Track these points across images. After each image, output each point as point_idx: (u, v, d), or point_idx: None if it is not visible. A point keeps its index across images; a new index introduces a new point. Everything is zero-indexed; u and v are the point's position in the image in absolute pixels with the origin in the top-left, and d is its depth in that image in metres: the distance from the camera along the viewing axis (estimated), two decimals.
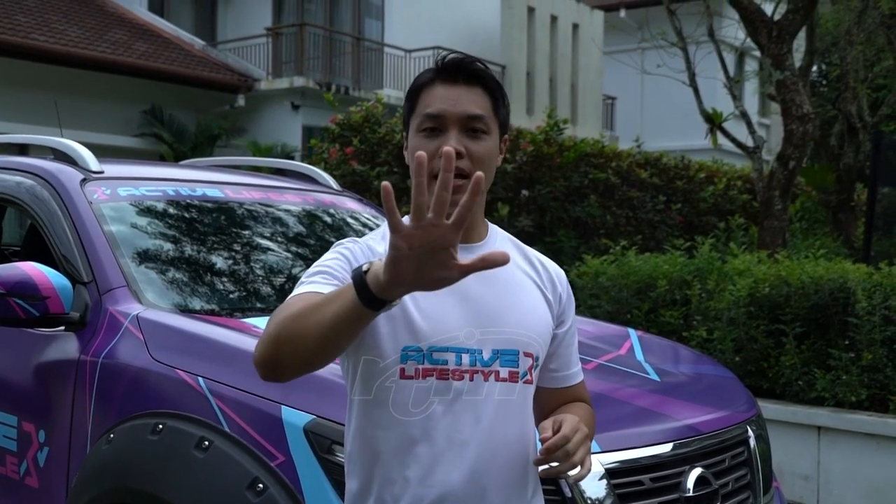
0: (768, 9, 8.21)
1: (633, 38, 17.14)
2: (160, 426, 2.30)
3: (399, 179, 7.51)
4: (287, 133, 15.88)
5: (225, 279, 3.10)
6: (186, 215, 3.27)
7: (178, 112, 15.40)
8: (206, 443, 2.20)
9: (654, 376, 2.93)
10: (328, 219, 3.70)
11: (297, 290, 1.53)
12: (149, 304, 2.69)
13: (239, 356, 2.37)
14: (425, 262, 1.28)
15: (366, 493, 1.60)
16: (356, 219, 3.75)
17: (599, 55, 20.35)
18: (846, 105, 9.84)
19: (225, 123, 15.68)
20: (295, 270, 3.30)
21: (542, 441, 1.52)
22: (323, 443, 2.05)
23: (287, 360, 1.44)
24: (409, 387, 1.55)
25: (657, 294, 5.86)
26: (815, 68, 12.94)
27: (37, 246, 3.58)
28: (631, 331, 3.50)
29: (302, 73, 16.13)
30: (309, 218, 3.63)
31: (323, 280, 1.54)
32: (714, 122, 8.40)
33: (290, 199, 3.63)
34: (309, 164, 5.36)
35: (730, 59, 12.06)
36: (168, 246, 3.06)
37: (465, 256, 1.64)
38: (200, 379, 2.32)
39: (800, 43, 9.61)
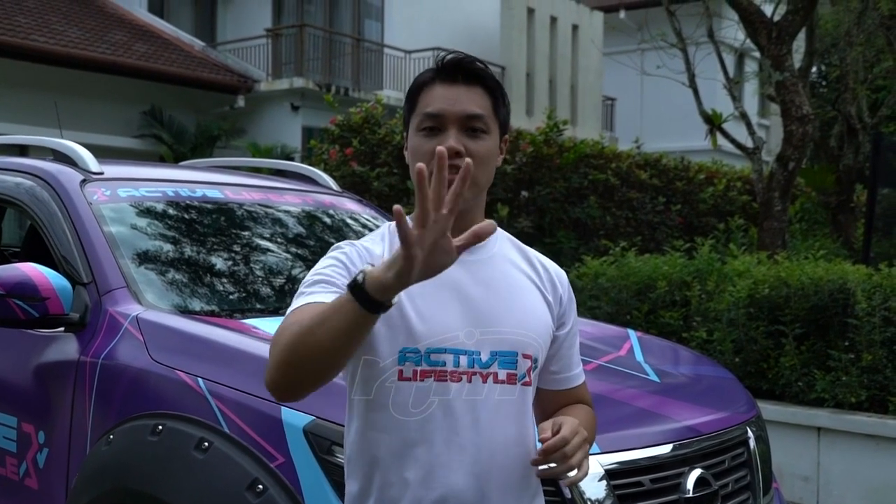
0: (768, 10, 8.21)
1: (633, 39, 17.14)
2: (160, 427, 2.30)
3: (399, 180, 7.51)
4: (287, 134, 15.89)
5: (225, 280, 3.10)
6: (186, 216, 3.27)
7: (177, 113, 15.41)
8: (206, 444, 2.20)
9: (653, 377, 2.93)
10: (328, 220, 3.70)
11: (298, 303, 1.53)
12: (148, 305, 2.69)
13: (239, 357, 2.37)
14: (430, 255, 1.32)
15: (366, 494, 1.60)
16: (356, 220, 3.75)
17: (599, 56, 20.36)
18: (846, 106, 9.84)
19: (225, 124, 15.68)
20: (295, 271, 3.30)
21: (542, 442, 1.52)
22: (323, 444, 2.05)
23: (300, 381, 1.45)
24: (409, 388, 1.55)
25: (657, 295, 5.86)
26: (814, 69, 12.95)
27: (36, 247, 3.58)
28: (631, 332, 3.50)
29: (302, 74, 16.14)
30: (308, 219, 3.63)
31: (322, 290, 1.53)
32: (714, 123, 8.40)
33: (290, 200, 3.63)
34: (308, 165, 5.36)
35: (729, 60, 12.06)
36: (168, 247, 3.06)
37: (465, 258, 1.64)
38: (200, 380, 2.32)
39: (799, 44, 9.60)
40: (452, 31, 17.96)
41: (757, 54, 11.32)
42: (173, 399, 2.36)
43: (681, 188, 10.05)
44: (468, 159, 1.32)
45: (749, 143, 8.17)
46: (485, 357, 1.58)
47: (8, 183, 3.23)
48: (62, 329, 2.72)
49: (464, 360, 1.57)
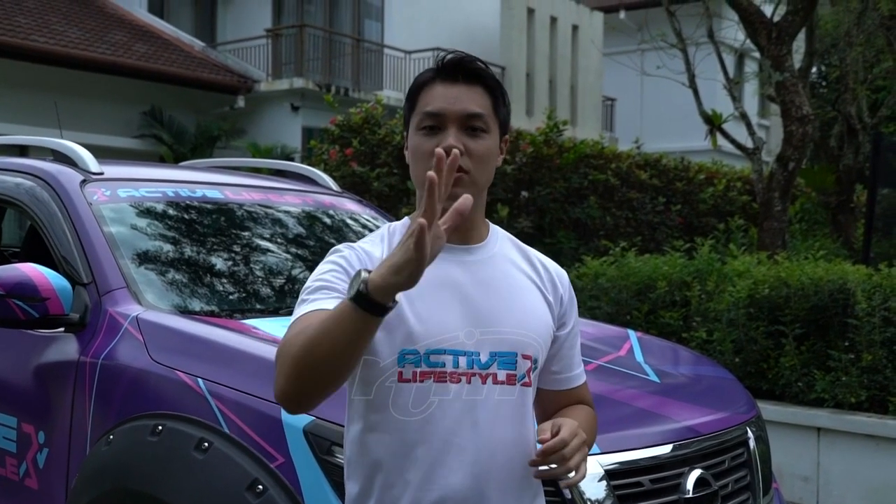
0: (768, 10, 8.21)
1: (633, 40, 17.14)
2: (160, 427, 2.30)
3: (399, 180, 7.51)
4: (287, 134, 15.89)
5: (224, 280, 3.10)
6: (186, 216, 3.27)
7: (177, 113, 15.41)
8: (206, 444, 2.20)
9: (653, 377, 2.93)
10: (328, 220, 3.70)
11: (301, 311, 1.53)
12: (148, 305, 2.69)
13: (239, 358, 2.37)
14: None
15: (366, 495, 1.60)
16: (356, 220, 3.75)
17: (599, 56, 20.36)
18: (846, 106, 9.84)
19: (225, 125, 15.68)
20: (294, 272, 3.30)
21: (541, 443, 1.52)
22: (322, 444, 2.05)
23: (310, 391, 1.45)
24: (409, 389, 1.56)
25: (657, 295, 5.86)
26: (814, 70, 12.95)
27: (36, 247, 3.58)
28: (630, 332, 3.50)
29: (302, 75, 16.14)
30: (308, 219, 3.63)
31: (324, 296, 1.53)
32: (714, 123, 8.40)
33: (290, 201, 3.63)
34: (308, 165, 5.36)
35: (729, 61, 12.06)
36: (168, 247, 3.06)
37: (465, 258, 1.65)
38: (200, 380, 2.32)
39: (799, 44, 9.60)
40: (452, 32, 17.96)
41: (757, 55, 11.31)
42: (173, 399, 2.36)
43: (681, 188, 10.06)
44: (456, 150, 1.33)
45: (749, 144, 8.17)
46: (484, 358, 1.58)
47: (8, 183, 3.23)
48: (62, 329, 2.72)
49: (463, 361, 1.57)
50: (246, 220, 3.39)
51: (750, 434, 2.76)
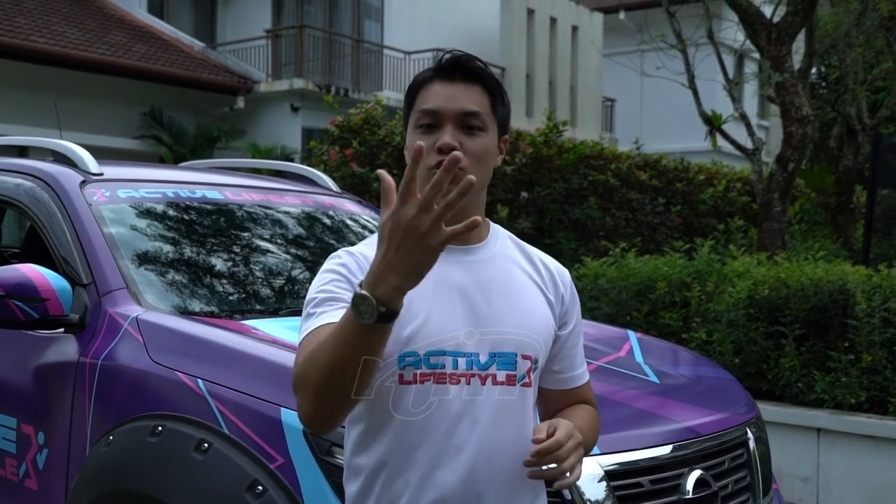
0: (767, 11, 8.22)
1: (633, 41, 17.15)
2: (159, 428, 2.30)
3: (399, 181, 7.49)
4: (286, 135, 15.89)
5: (224, 281, 3.10)
6: (186, 217, 3.27)
7: (177, 114, 15.41)
8: (206, 445, 2.20)
9: (653, 378, 2.93)
10: (328, 221, 3.70)
11: (309, 325, 1.52)
12: (148, 306, 2.69)
13: (238, 358, 2.37)
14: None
15: (365, 495, 1.60)
16: (356, 221, 3.75)
17: (599, 57, 20.36)
18: (845, 107, 9.85)
19: (224, 125, 15.69)
20: (294, 272, 3.30)
21: (535, 443, 1.51)
22: (322, 445, 2.05)
23: (336, 410, 1.47)
24: (409, 390, 1.56)
25: (656, 296, 5.86)
26: (814, 70, 12.95)
27: (36, 248, 3.58)
28: (630, 333, 3.51)
29: (301, 75, 16.14)
30: (308, 220, 3.63)
31: (330, 308, 1.53)
32: (713, 124, 8.40)
33: (290, 201, 3.63)
34: (308, 166, 5.36)
35: (729, 62, 12.07)
36: (167, 248, 3.06)
37: (464, 258, 1.65)
38: (200, 381, 2.32)
39: (799, 45, 9.61)
40: (452, 32, 17.96)
41: (757, 55, 11.32)
42: (173, 400, 2.36)
43: (680, 189, 10.06)
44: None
45: (749, 144, 8.17)
46: (483, 358, 1.58)
47: (7, 184, 3.23)
48: (62, 330, 2.72)
49: (462, 362, 1.57)
50: (246, 220, 3.39)
51: (750, 435, 2.76)
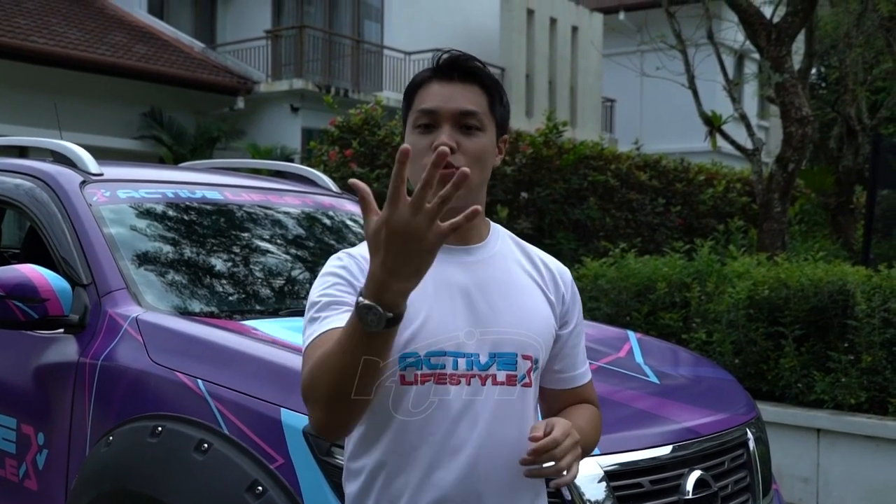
0: (767, 11, 8.22)
1: (633, 41, 17.17)
2: (159, 429, 2.30)
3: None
4: (286, 135, 15.89)
5: (224, 281, 3.10)
6: (186, 218, 3.27)
7: (177, 114, 15.42)
8: (206, 445, 2.20)
9: (653, 379, 2.93)
10: (327, 221, 3.70)
11: (314, 330, 1.52)
12: (148, 306, 2.69)
13: (238, 359, 2.37)
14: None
15: (365, 495, 1.60)
16: (355, 221, 3.75)
17: (599, 58, 20.37)
18: (845, 107, 9.85)
19: (224, 126, 15.69)
20: (294, 273, 3.31)
21: (532, 440, 1.51)
22: (322, 445, 2.05)
23: (349, 417, 1.46)
24: (409, 390, 1.56)
25: (656, 296, 5.86)
26: (814, 71, 12.96)
27: (36, 248, 3.58)
28: (630, 333, 3.51)
29: (301, 76, 16.14)
30: (308, 220, 3.63)
31: (335, 312, 1.52)
32: (713, 124, 8.40)
33: (290, 202, 3.63)
34: (308, 166, 5.36)
35: (729, 62, 12.07)
36: (167, 248, 3.06)
37: (464, 258, 1.65)
38: (200, 381, 2.32)
39: (799, 45, 9.61)
40: (452, 33, 17.96)
41: (756, 56, 11.32)
42: (173, 400, 2.36)
43: (680, 189, 10.06)
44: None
45: (749, 145, 8.17)
46: (483, 359, 1.58)
47: (7, 184, 3.23)
48: (62, 330, 2.72)
49: (462, 362, 1.57)
50: (245, 221, 3.39)
51: (750, 435, 2.76)
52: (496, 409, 1.58)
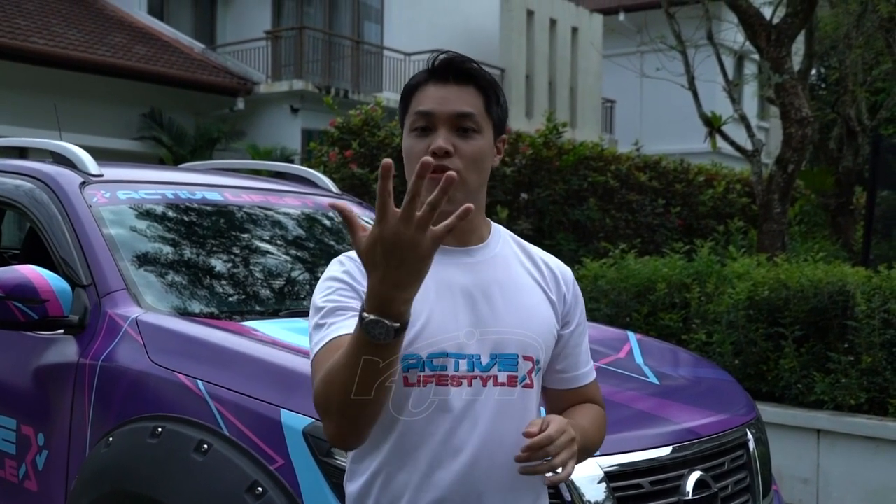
0: (767, 12, 8.22)
1: (633, 42, 17.18)
2: (159, 429, 2.30)
3: (399, 182, 7.49)
4: (286, 136, 15.89)
5: (224, 282, 3.10)
6: (186, 218, 3.27)
7: (177, 115, 15.42)
8: (206, 446, 2.20)
9: (653, 379, 2.93)
10: (327, 222, 3.70)
11: (321, 337, 1.52)
12: (148, 307, 2.69)
13: (238, 360, 2.37)
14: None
15: (365, 495, 1.60)
16: None
17: (598, 58, 20.37)
18: (845, 108, 9.85)
19: (224, 127, 15.69)
20: (294, 273, 3.30)
21: (527, 437, 1.50)
22: (322, 446, 2.05)
23: (364, 425, 1.46)
24: (411, 392, 1.56)
25: (656, 297, 5.86)
26: (814, 72, 12.97)
27: (36, 249, 3.58)
28: (630, 334, 3.51)
29: (301, 77, 16.14)
30: (308, 221, 3.63)
31: (340, 317, 1.52)
32: (713, 125, 8.41)
33: (290, 203, 3.63)
34: (308, 167, 5.36)
35: (729, 63, 12.08)
36: (167, 249, 3.06)
37: (465, 260, 1.65)
38: (200, 382, 2.32)
39: (799, 46, 9.62)
40: (452, 34, 17.97)
41: (756, 57, 11.33)
42: (173, 401, 2.36)
43: (680, 190, 10.06)
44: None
45: (748, 146, 8.17)
46: (485, 360, 1.58)
47: (7, 185, 3.23)
48: (62, 331, 2.72)
49: (464, 364, 1.57)
50: (245, 222, 3.39)
51: (749, 436, 2.76)
52: (497, 410, 1.58)
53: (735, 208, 10.46)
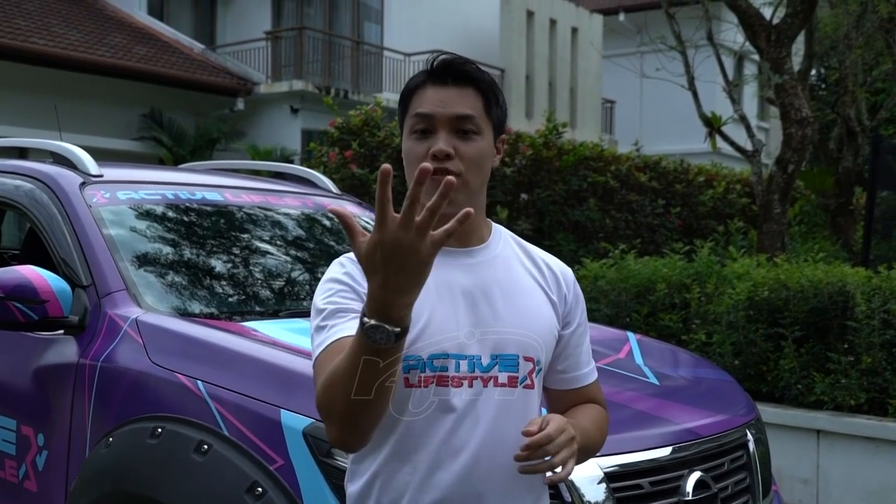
0: (767, 13, 8.22)
1: (633, 42, 17.17)
2: (159, 430, 2.30)
3: (399, 182, 7.47)
4: (286, 136, 15.90)
5: (224, 283, 3.10)
6: (186, 219, 3.27)
7: (177, 115, 15.42)
8: (206, 446, 2.20)
9: (653, 380, 2.93)
10: (327, 222, 3.70)
11: (325, 340, 1.51)
12: (148, 307, 2.69)
13: (238, 360, 2.37)
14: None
15: (365, 495, 1.60)
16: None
17: (598, 59, 20.38)
18: (845, 109, 9.85)
19: (224, 127, 15.69)
20: (294, 274, 3.30)
21: (526, 435, 1.50)
22: (322, 446, 2.05)
23: (367, 428, 1.46)
24: (412, 393, 1.56)
25: (656, 298, 5.86)
26: (813, 72, 12.97)
27: (36, 249, 3.58)
28: (630, 334, 3.51)
29: (301, 77, 16.14)
30: (308, 221, 3.63)
31: (342, 319, 1.52)
32: (713, 125, 8.40)
33: (290, 203, 3.63)
34: (308, 167, 5.36)
35: (729, 63, 12.08)
36: (167, 249, 3.06)
37: (466, 261, 1.65)
38: (199, 382, 2.32)
39: (798, 47, 9.62)
40: (452, 34, 17.97)
41: (756, 57, 11.33)
42: (173, 402, 2.36)
43: (680, 191, 10.06)
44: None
45: (748, 146, 8.17)
46: (485, 361, 1.58)
47: (7, 185, 3.23)
48: (61, 332, 2.72)
49: (464, 364, 1.57)
50: (245, 222, 3.39)
51: (749, 436, 2.76)
52: (497, 410, 1.58)
53: (735, 209, 10.46)
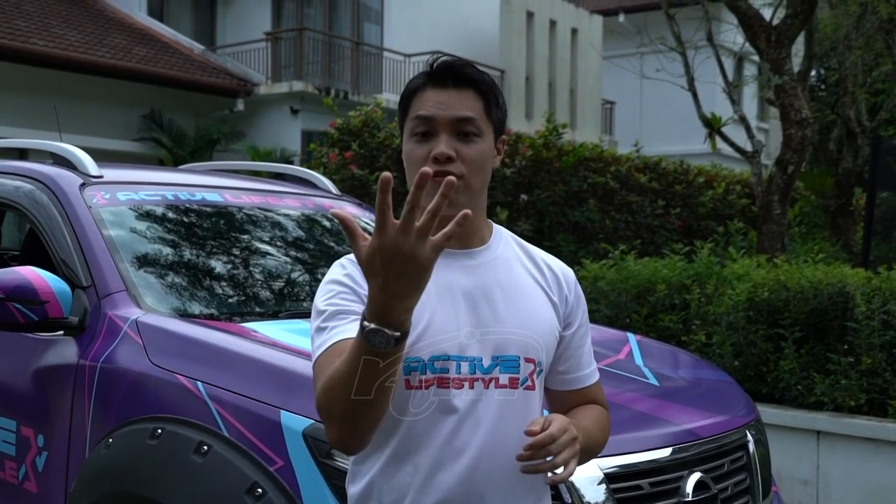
0: (767, 13, 8.23)
1: (632, 43, 17.17)
2: (159, 431, 2.30)
3: (398, 183, 7.48)
4: (286, 137, 15.90)
5: (224, 284, 3.10)
6: (186, 220, 3.27)
7: (177, 116, 15.42)
8: (205, 447, 2.20)
9: (653, 381, 2.93)
10: (327, 223, 3.70)
11: (325, 342, 1.51)
12: (148, 308, 2.69)
13: (238, 361, 2.37)
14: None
15: (367, 497, 1.60)
16: None
17: (598, 60, 20.39)
18: (845, 109, 9.86)
19: (224, 128, 15.69)
20: (294, 275, 3.30)
21: (529, 435, 1.50)
22: (322, 447, 2.05)
23: (367, 430, 1.46)
24: (413, 394, 1.56)
25: (656, 298, 5.86)
26: (813, 73, 12.98)
27: (36, 250, 3.58)
28: (630, 335, 3.51)
29: (301, 78, 16.15)
30: (308, 222, 3.63)
31: (342, 321, 1.52)
32: (713, 126, 8.41)
33: (290, 204, 3.63)
34: (308, 168, 5.36)
35: (728, 64, 12.09)
36: (167, 250, 3.06)
37: (466, 262, 1.65)
38: (199, 383, 2.32)
39: (798, 47, 9.62)
40: (452, 35, 17.98)
41: (756, 58, 11.34)
42: (172, 403, 2.36)
43: (680, 191, 10.06)
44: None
45: (748, 147, 8.18)
46: (486, 362, 1.58)
47: (7, 186, 3.23)
48: (61, 333, 2.72)
49: (465, 366, 1.57)
50: (245, 223, 3.39)
51: (749, 437, 2.76)
52: (499, 412, 1.58)
53: (735, 209, 10.46)
